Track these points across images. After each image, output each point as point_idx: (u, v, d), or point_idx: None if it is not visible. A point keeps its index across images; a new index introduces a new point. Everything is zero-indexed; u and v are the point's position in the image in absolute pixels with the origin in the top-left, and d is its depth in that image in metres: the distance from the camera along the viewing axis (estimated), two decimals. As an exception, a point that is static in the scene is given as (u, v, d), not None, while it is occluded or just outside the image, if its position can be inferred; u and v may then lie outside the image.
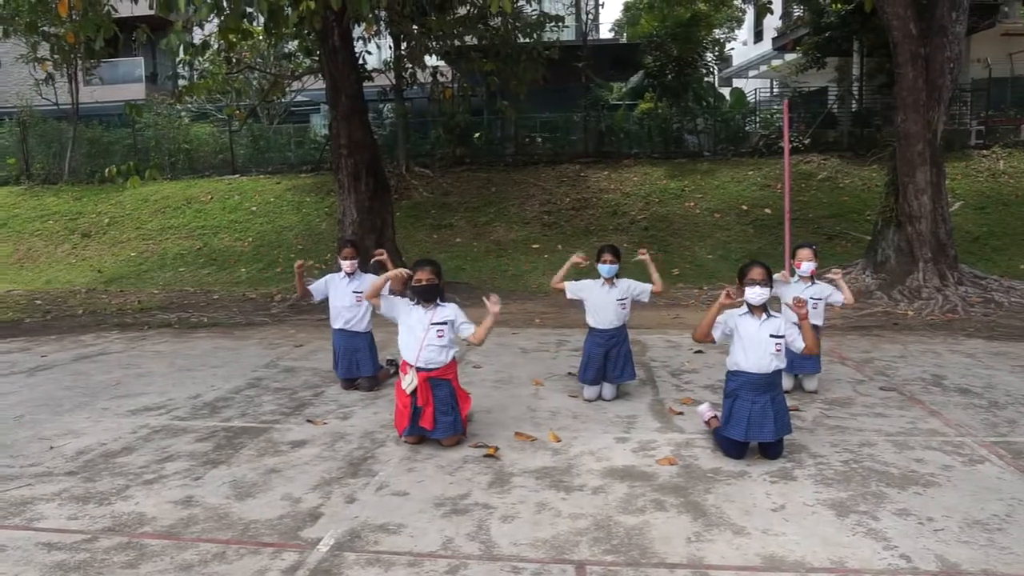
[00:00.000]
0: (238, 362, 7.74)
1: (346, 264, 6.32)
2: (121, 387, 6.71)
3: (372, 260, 6.36)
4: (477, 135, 19.49)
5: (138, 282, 14.94)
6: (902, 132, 10.87)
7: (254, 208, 17.72)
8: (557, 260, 14.03)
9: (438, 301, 4.82)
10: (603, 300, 5.74)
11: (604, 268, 5.67)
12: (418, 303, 4.81)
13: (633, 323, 9.36)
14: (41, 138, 21.33)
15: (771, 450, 4.45)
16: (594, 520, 3.67)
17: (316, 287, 6.44)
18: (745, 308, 4.47)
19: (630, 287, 5.78)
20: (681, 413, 5.51)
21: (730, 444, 4.48)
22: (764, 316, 4.44)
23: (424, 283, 4.75)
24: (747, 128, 19.75)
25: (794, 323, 4.50)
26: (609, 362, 5.75)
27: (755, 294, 4.40)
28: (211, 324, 10.43)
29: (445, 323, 4.77)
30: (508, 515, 3.74)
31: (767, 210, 15.44)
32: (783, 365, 4.49)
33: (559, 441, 4.88)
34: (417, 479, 4.27)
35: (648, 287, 5.80)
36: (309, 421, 5.50)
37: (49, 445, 5.06)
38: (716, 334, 4.57)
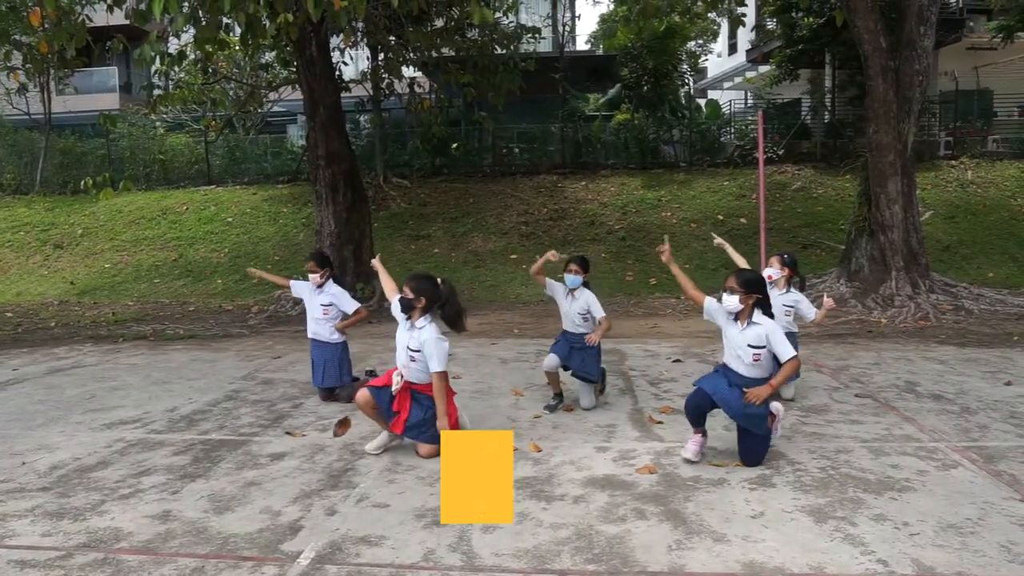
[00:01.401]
0: (215, 374, 7.66)
1: (312, 277, 6.38)
2: (95, 400, 6.62)
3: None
4: (455, 146, 19.52)
5: (112, 294, 14.73)
6: (874, 143, 11.06)
7: (230, 219, 17.59)
8: (535, 270, 14.07)
9: (420, 323, 4.74)
10: (566, 308, 5.88)
11: (568, 278, 5.79)
12: (401, 310, 4.81)
13: (611, 333, 9.44)
14: (12, 148, 21.01)
15: (750, 449, 4.51)
16: (575, 529, 3.69)
17: (294, 285, 6.61)
18: (731, 314, 4.54)
19: (590, 305, 5.77)
20: (660, 422, 5.54)
21: (693, 398, 4.52)
22: (746, 323, 4.44)
23: (401, 298, 4.79)
24: (722, 139, 19.98)
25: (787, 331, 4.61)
26: (572, 357, 5.80)
27: (725, 302, 4.48)
28: (187, 336, 10.32)
29: (419, 350, 4.71)
30: (489, 526, 3.74)
31: (742, 220, 15.61)
32: (765, 375, 4.46)
33: (539, 451, 4.89)
34: (398, 490, 4.26)
35: (600, 314, 5.75)
36: (288, 433, 5.46)
37: (21, 460, 4.97)
38: (704, 306, 4.66)
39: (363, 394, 4.87)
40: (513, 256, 15.06)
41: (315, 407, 6.23)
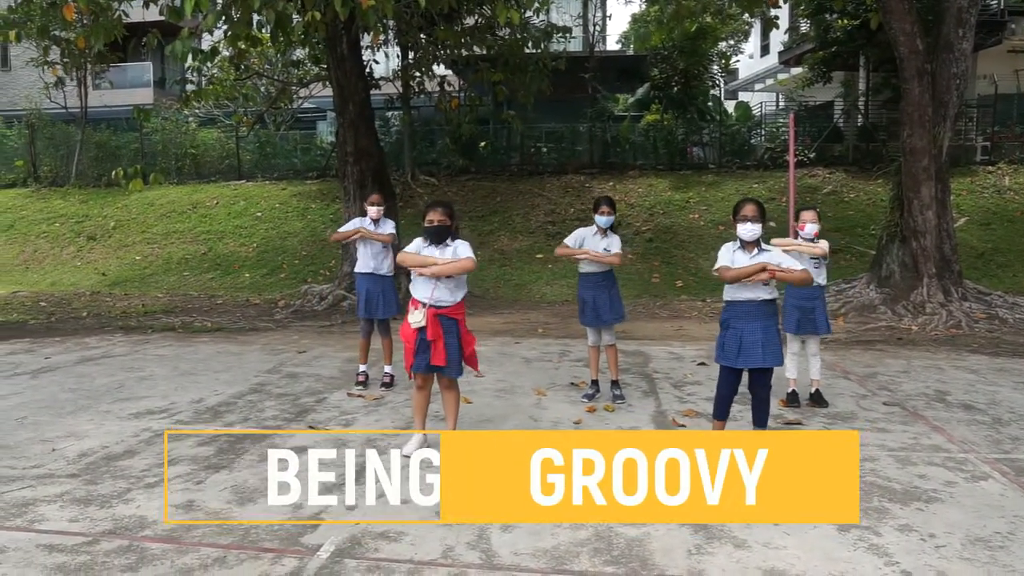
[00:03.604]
0: (241, 367, 7.75)
1: (372, 210, 6.61)
2: (124, 390, 6.73)
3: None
4: (483, 145, 19.53)
5: (142, 286, 14.98)
6: (907, 147, 10.87)
7: (259, 214, 17.78)
8: (560, 270, 14.05)
9: (448, 241, 4.78)
10: (594, 247, 6.02)
11: (601, 219, 6.01)
12: (431, 244, 4.78)
13: (636, 335, 9.41)
14: (49, 141, 21.44)
15: (760, 386, 4.56)
16: (595, 531, 3.67)
17: (347, 227, 6.82)
18: (739, 243, 4.57)
19: (612, 243, 6.06)
20: (683, 425, 5.50)
21: (723, 378, 4.63)
22: (756, 251, 4.53)
23: (436, 224, 4.74)
24: (752, 141, 19.76)
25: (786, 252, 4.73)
26: (599, 306, 6.04)
27: (747, 230, 4.50)
28: (214, 329, 10.46)
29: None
30: (509, 524, 3.73)
31: (771, 223, 15.39)
32: (774, 295, 4.59)
33: (561, 451, 4.87)
34: (418, 486, 4.26)
35: (617, 249, 6.03)
36: (311, 427, 5.50)
37: (51, 447, 5.07)
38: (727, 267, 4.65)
39: (419, 391, 4.91)
40: (539, 256, 15.04)
41: (339, 402, 6.27)
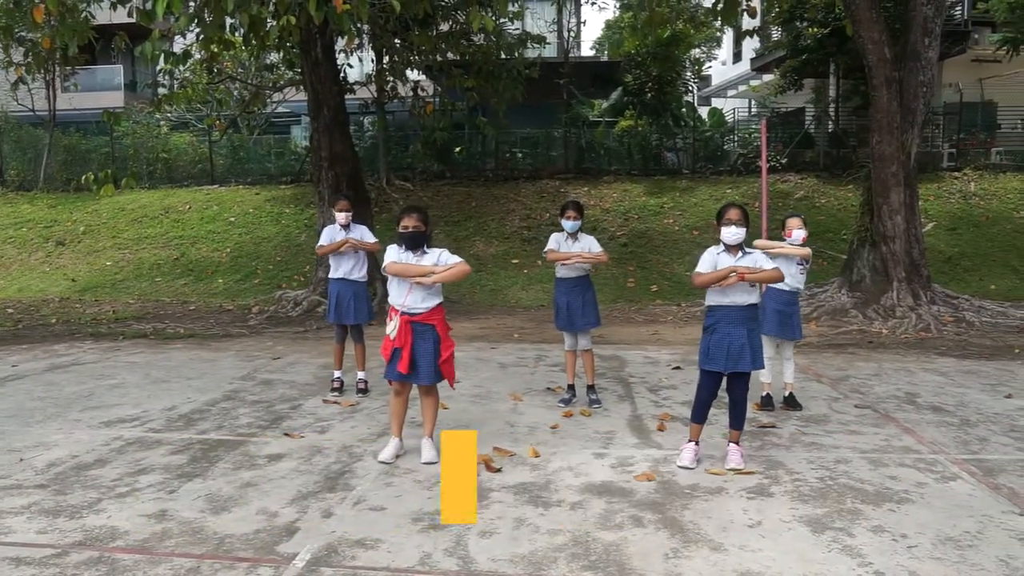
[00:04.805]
0: (214, 374, 7.66)
1: (340, 216, 6.57)
2: (94, 398, 6.62)
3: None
4: (458, 150, 19.52)
5: (113, 292, 14.74)
6: (877, 153, 11.06)
7: (232, 219, 17.59)
8: (536, 275, 14.09)
9: (424, 248, 4.73)
10: (567, 252, 6.03)
11: (567, 224, 6.01)
12: (406, 250, 4.73)
13: (612, 339, 9.46)
14: (16, 144, 21.04)
15: (738, 389, 4.60)
16: (572, 536, 3.67)
17: (324, 239, 6.72)
18: (723, 246, 4.63)
19: (590, 245, 6.06)
20: (663, 429, 5.54)
21: (705, 383, 4.66)
22: (740, 254, 4.61)
23: (411, 230, 4.68)
24: (725, 147, 19.98)
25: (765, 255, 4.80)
26: (572, 312, 6.06)
27: (731, 234, 4.57)
28: (187, 335, 10.32)
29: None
30: (486, 531, 3.73)
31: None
32: (757, 300, 4.68)
33: (538, 456, 4.88)
34: (395, 494, 4.25)
35: (598, 248, 6.04)
36: (286, 434, 5.45)
37: (19, 457, 4.97)
38: (705, 271, 4.68)
39: (396, 396, 4.86)
40: (515, 261, 15.06)
41: (314, 408, 6.22)
